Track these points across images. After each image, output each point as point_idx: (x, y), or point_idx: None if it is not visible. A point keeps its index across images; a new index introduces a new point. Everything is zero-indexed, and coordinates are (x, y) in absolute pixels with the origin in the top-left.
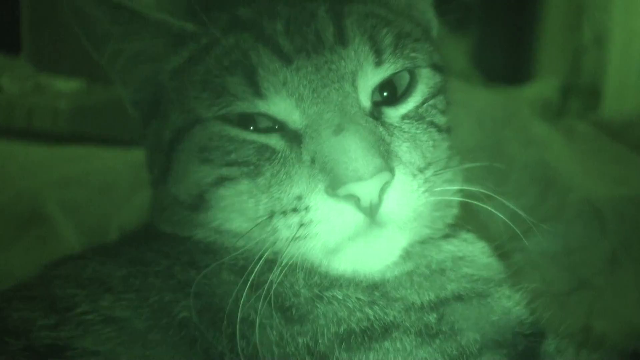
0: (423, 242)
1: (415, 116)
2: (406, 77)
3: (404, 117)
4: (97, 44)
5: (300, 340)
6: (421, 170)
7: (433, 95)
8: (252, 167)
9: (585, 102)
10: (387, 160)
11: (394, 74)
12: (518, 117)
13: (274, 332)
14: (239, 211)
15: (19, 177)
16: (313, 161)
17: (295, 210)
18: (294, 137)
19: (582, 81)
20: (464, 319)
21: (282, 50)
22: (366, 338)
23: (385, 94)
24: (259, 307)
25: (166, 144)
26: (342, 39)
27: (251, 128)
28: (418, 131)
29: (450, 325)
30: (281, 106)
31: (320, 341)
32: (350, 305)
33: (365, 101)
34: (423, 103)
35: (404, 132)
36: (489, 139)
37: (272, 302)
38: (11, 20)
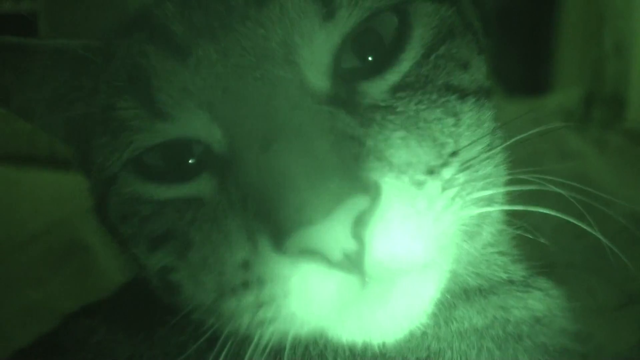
0: (495, 286)
1: (415, 82)
2: (392, 21)
3: (396, 88)
4: (4, 102)
5: None
6: (434, 171)
7: (443, 40)
8: (178, 242)
9: (609, 111)
10: (360, 172)
11: (365, 23)
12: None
13: None
14: (196, 294)
15: (50, 205)
16: (244, 201)
17: (245, 285)
18: (224, 169)
19: (604, 90)
20: None
21: (176, 40)
22: None
23: (369, 57)
24: None
25: (100, 217)
26: None
27: (171, 175)
28: (422, 106)
29: None
30: (194, 124)
31: None
32: None
33: (319, 80)
34: (426, 56)
35: (397, 113)
36: (522, 154)
37: None
38: None
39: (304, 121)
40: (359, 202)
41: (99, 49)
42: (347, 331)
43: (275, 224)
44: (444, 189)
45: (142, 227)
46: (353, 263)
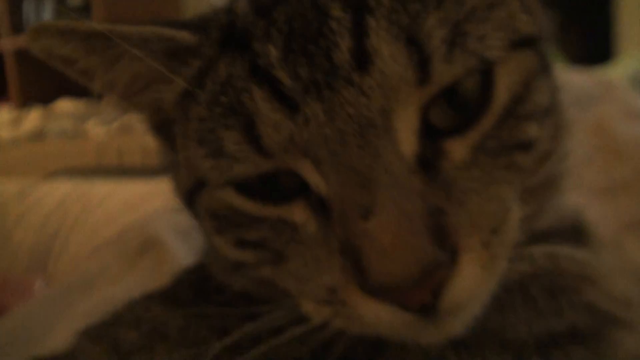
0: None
1: (492, 144)
2: (475, 77)
3: (476, 149)
4: (87, 81)
5: None
6: (497, 230)
7: (521, 97)
8: (271, 253)
9: None
10: (443, 242)
11: (454, 83)
12: (616, 92)
13: None
14: (271, 284)
15: (120, 212)
16: (342, 250)
17: (328, 302)
18: (321, 207)
19: None
20: None
21: (283, 89)
22: None
23: (452, 115)
24: None
25: (183, 199)
26: (362, 58)
27: (269, 193)
28: (496, 168)
29: None
30: (296, 165)
31: None
32: None
33: (409, 145)
34: (506, 117)
35: (474, 178)
36: (591, 118)
37: None
38: None
39: (401, 194)
40: (443, 273)
41: (189, 49)
42: (403, 339)
43: (369, 280)
44: (502, 244)
45: (232, 230)
46: (426, 311)
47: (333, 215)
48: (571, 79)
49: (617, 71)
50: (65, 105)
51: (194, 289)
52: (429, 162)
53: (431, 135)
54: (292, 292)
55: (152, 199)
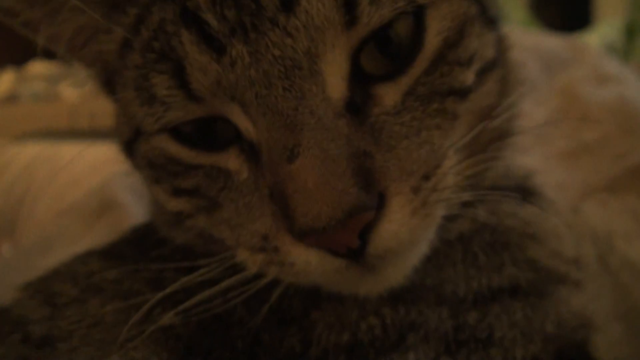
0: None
1: (422, 90)
2: (407, 22)
3: (406, 94)
4: (32, 33)
5: (288, 343)
6: (429, 176)
7: (453, 44)
8: (206, 201)
9: None
10: (369, 185)
11: (383, 27)
12: (588, 56)
13: (266, 335)
14: (208, 236)
15: (86, 175)
16: (272, 194)
17: (262, 249)
18: (252, 153)
19: None
20: (510, 326)
21: (211, 32)
22: (372, 350)
23: (383, 60)
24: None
25: (124, 150)
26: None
27: (204, 141)
28: (426, 114)
29: (489, 331)
30: (226, 110)
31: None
32: (354, 315)
33: (338, 88)
34: (438, 62)
35: (404, 123)
36: (560, 81)
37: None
38: None
39: (326, 137)
40: (368, 216)
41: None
42: (335, 289)
43: (295, 224)
44: (434, 190)
45: (169, 178)
46: (354, 254)
47: (262, 161)
48: (542, 42)
49: (592, 38)
50: (38, 68)
51: (134, 244)
52: (358, 106)
53: (362, 80)
54: (228, 243)
55: (119, 161)
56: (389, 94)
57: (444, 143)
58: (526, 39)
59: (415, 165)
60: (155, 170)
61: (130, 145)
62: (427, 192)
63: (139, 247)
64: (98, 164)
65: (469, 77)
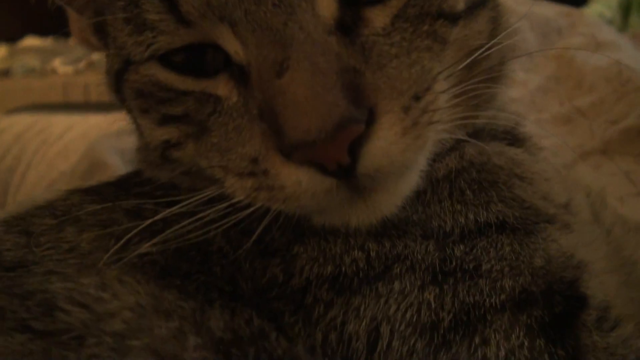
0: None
1: (414, 11)
2: None
3: (396, 17)
4: None
5: (271, 272)
6: (420, 96)
7: None
8: (195, 126)
9: None
10: (359, 101)
11: None
12: (584, 24)
13: (247, 264)
14: (197, 167)
15: (77, 145)
16: (261, 114)
17: (252, 174)
18: (241, 76)
19: None
20: (497, 259)
21: None
22: (356, 280)
23: None
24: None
25: (112, 84)
26: None
27: (194, 69)
28: (416, 35)
29: (476, 263)
30: (216, 33)
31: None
32: (339, 249)
33: (328, 8)
34: None
35: (394, 44)
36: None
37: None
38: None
39: (315, 51)
40: (356, 128)
41: None
42: (327, 220)
43: (286, 138)
44: (424, 112)
45: (157, 106)
46: (345, 173)
47: (252, 81)
48: (537, 10)
49: (589, 13)
50: (32, 43)
51: (117, 185)
52: (348, 27)
53: (352, 3)
54: (215, 173)
55: (112, 126)
56: (379, 17)
57: (434, 67)
58: (521, 7)
59: (406, 84)
60: (144, 99)
61: (120, 77)
62: (418, 112)
63: (121, 187)
64: (89, 133)
65: (459, 2)
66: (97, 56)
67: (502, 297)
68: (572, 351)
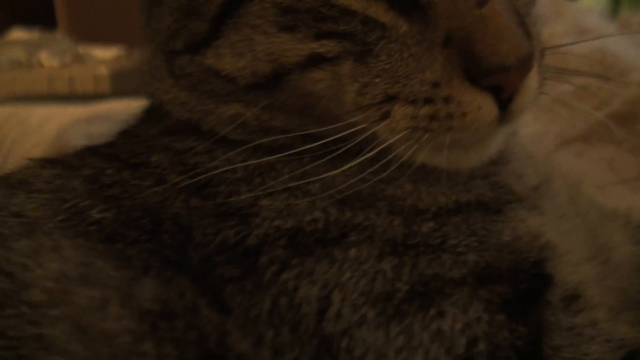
0: None
1: None
2: None
3: None
4: None
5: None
6: (544, 56)
7: None
8: (357, 45)
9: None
10: (531, 41)
11: None
12: (568, 10)
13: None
14: (332, 97)
15: (54, 136)
16: (449, 40)
17: (429, 100)
18: (407, 7)
19: None
20: (467, 234)
21: None
22: (312, 240)
23: None
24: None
25: (215, 6)
26: None
27: None
28: None
29: (442, 239)
30: None
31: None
32: (303, 206)
33: None
34: None
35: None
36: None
37: None
38: None
39: None
40: (533, 63)
41: None
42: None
43: (483, 63)
44: (544, 73)
45: (315, 24)
46: (505, 104)
47: (433, 13)
48: None
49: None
50: (18, 35)
51: (91, 151)
52: None
53: None
54: (362, 101)
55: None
56: None
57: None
58: None
59: (539, 40)
60: (294, 13)
61: None
62: (543, 71)
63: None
64: (67, 124)
65: None
66: (83, 50)
67: (464, 271)
68: (534, 328)
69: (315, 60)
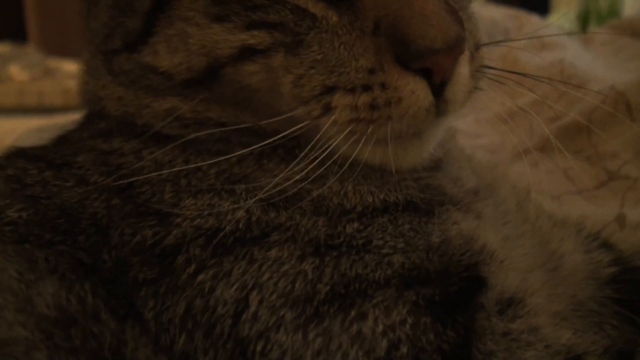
0: None
1: None
2: None
3: None
4: None
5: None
6: (479, 48)
7: None
8: (288, 35)
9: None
10: (462, 27)
11: None
12: (529, 24)
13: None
14: (270, 90)
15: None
16: (377, 27)
17: (367, 87)
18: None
19: (600, 6)
20: (394, 236)
21: None
22: (232, 239)
23: None
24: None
25: (147, 1)
26: None
27: None
28: None
29: (366, 240)
30: None
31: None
32: (226, 205)
33: None
34: None
35: None
36: (500, 49)
37: None
38: (16, 8)
39: None
40: (463, 49)
41: None
42: (380, 155)
43: (412, 47)
44: (478, 67)
45: (245, 12)
46: (439, 90)
47: (360, 3)
48: (485, 11)
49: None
50: None
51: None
52: None
53: None
54: (300, 93)
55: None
56: None
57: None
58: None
59: (472, 33)
60: (224, 4)
61: None
62: (476, 64)
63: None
64: (28, 136)
65: None
66: (53, 63)
67: (388, 272)
68: (464, 332)
69: (248, 53)
